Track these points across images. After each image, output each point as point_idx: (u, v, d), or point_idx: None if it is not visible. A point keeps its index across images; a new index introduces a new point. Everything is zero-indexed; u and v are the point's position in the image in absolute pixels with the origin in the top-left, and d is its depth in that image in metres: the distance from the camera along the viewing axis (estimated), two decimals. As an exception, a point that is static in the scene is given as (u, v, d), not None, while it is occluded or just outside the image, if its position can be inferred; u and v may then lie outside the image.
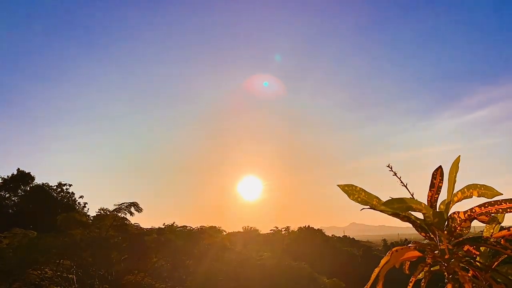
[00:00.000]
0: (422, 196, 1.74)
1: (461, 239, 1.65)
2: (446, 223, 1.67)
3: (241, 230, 53.42)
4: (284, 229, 57.04)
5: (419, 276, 1.71)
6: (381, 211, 1.70)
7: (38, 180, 39.25)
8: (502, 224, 1.84)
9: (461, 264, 1.60)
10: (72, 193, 40.01)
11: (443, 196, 1.77)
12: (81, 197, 40.74)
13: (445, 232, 1.66)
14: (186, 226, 24.56)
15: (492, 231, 1.85)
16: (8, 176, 38.43)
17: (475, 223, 1.73)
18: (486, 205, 1.58)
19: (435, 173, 1.77)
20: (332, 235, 64.09)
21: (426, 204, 1.73)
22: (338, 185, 1.79)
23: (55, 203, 36.63)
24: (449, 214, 1.68)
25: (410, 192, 1.79)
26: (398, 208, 1.66)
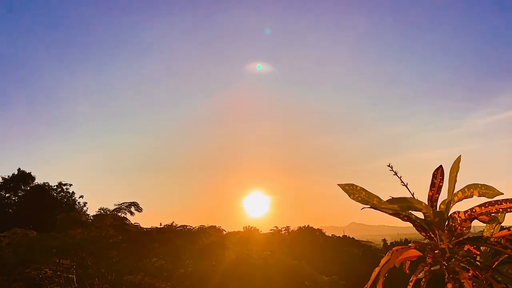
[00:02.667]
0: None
1: (461, 238, 1.65)
2: (446, 222, 1.67)
3: (241, 230, 53.38)
4: (284, 228, 57.05)
5: (419, 275, 1.71)
6: (381, 210, 1.70)
7: (38, 180, 39.27)
8: (503, 224, 1.84)
9: (461, 264, 1.60)
10: (72, 192, 40.02)
11: (443, 196, 1.77)
12: (81, 197, 40.76)
13: (446, 231, 1.66)
14: (186, 226, 24.57)
15: (492, 230, 1.85)
16: (8, 176, 38.43)
17: (475, 223, 1.73)
18: (487, 205, 1.58)
19: (435, 173, 1.77)
20: (332, 234, 64.03)
21: (427, 203, 1.74)
22: (338, 184, 1.79)
23: (55, 203, 36.62)
24: (449, 214, 1.68)
25: (410, 192, 1.79)
26: (399, 207, 1.66)
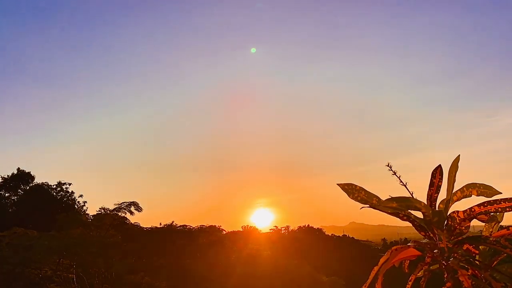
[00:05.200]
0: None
1: (460, 238, 1.66)
2: (445, 222, 1.68)
3: (241, 229, 53.45)
4: (284, 228, 57.16)
5: (418, 274, 1.71)
6: (380, 210, 1.70)
7: (37, 180, 39.29)
8: (502, 223, 1.85)
9: (461, 263, 1.61)
10: (72, 192, 40.00)
11: (443, 195, 1.78)
12: (81, 196, 40.73)
13: (445, 231, 1.66)
14: (186, 225, 24.69)
15: (491, 230, 1.86)
16: (8, 175, 38.46)
17: (475, 222, 1.74)
18: (486, 204, 1.59)
19: (434, 172, 1.78)
20: (332, 234, 64.21)
21: (426, 203, 1.74)
22: (338, 184, 1.79)
23: (55, 203, 36.64)
24: (448, 213, 1.69)
25: (409, 192, 1.79)
26: (398, 206, 1.67)
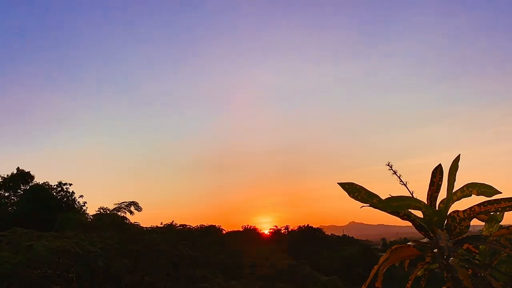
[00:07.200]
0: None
1: (460, 237, 1.66)
2: (445, 221, 1.68)
3: (241, 229, 53.43)
4: (283, 228, 57.09)
5: (418, 273, 1.72)
6: (381, 209, 1.71)
7: (38, 179, 39.28)
8: (502, 223, 1.86)
9: (460, 263, 1.62)
10: (72, 192, 40.00)
11: (443, 195, 1.78)
12: (81, 196, 40.71)
13: (445, 230, 1.67)
14: (186, 225, 24.65)
15: (491, 229, 1.87)
16: (7, 175, 38.45)
17: (474, 222, 1.75)
18: (486, 204, 1.59)
19: (434, 172, 1.79)
20: (332, 234, 64.12)
21: (426, 202, 1.75)
22: (338, 183, 1.80)
23: (55, 203, 36.62)
24: (448, 213, 1.70)
25: (409, 191, 1.80)
26: (398, 206, 1.67)
